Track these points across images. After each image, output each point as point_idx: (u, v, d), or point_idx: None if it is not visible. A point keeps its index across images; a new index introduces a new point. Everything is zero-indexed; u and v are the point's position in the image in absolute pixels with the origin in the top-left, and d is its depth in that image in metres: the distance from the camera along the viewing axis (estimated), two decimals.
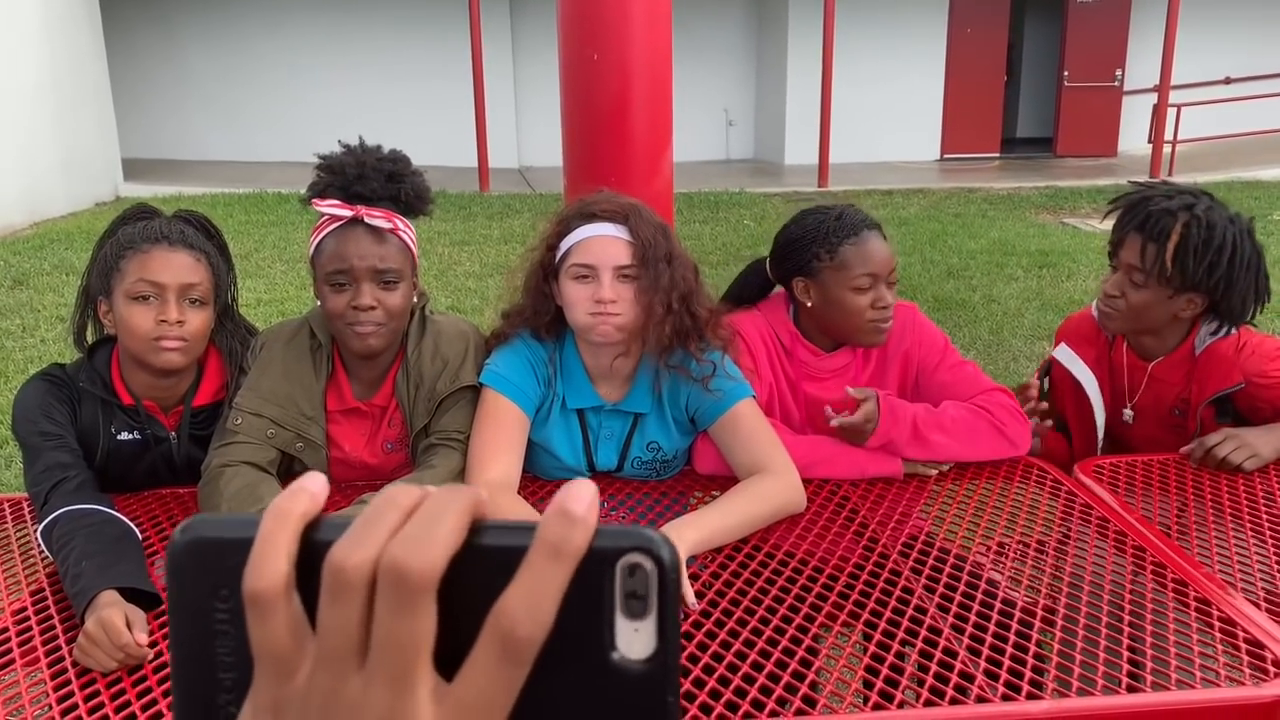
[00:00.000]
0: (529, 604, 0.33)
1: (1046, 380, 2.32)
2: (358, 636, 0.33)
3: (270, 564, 0.33)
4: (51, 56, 9.71)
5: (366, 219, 1.74)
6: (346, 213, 1.74)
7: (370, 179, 1.76)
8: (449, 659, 0.33)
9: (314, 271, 1.81)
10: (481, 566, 0.34)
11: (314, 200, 1.76)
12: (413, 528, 0.33)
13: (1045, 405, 2.19)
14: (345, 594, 0.33)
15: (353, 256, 1.73)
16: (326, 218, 1.76)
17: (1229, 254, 1.94)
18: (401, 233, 1.78)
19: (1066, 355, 2.23)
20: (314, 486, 0.36)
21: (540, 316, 1.86)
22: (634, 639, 0.34)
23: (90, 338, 1.88)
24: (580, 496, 0.34)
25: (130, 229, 1.80)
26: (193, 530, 0.36)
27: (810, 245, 1.99)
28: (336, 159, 1.78)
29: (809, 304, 2.02)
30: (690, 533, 1.61)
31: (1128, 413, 2.18)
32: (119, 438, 1.84)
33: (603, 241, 1.77)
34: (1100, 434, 2.16)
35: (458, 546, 0.33)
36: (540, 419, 1.88)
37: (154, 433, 1.86)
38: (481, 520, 0.35)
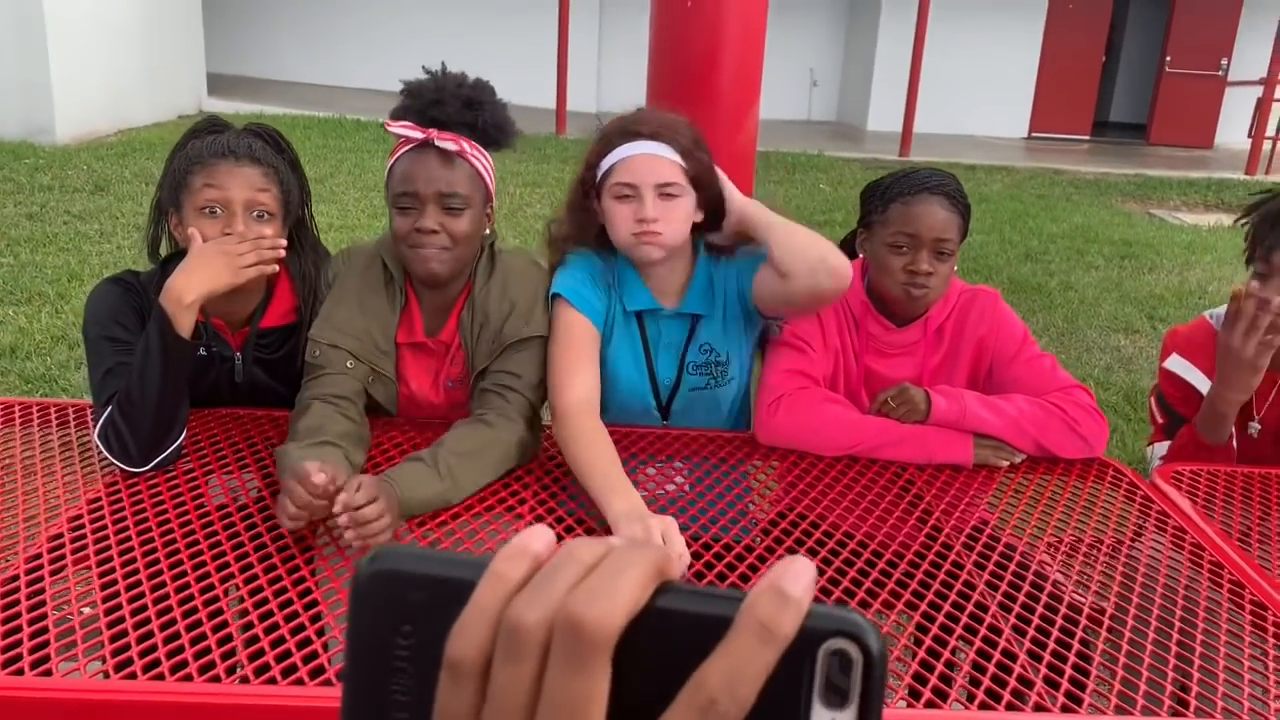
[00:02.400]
0: (731, 681, 0.30)
1: (1156, 400, 2.21)
2: (529, 696, 0.31)
3: (476, 632, 0.32)
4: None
5: (437, 142, 1.71)
6: (418, 135, 1.71)
7: (448, 104, 1.73)
8: None
9: (388, 197, 1.78)
10: (666, 631, 0.32)
11: (388, 122, 1.74)
12: (592, 582, 0.31)
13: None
14: (520, 651, 0.31)
15: (419, 179, 1.72)
16: (401, 140, 1.75)
17: None
18: (472, 158, 1.75)
19: (1181, 366, 2.11)
20: (538, 546, 0.34)
21: (586, 233, 1.88)
22: None
23: (164, 251, 1.87)
24: (798, 577, 0.31)
25: (199, 143, 1.78)
26: (381, 561, 0.34)
27: (871, 197, 2.01)
28: (417, 83, 1.76)
29: (862, 256, 2.03)
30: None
31: (1254, 426, 2.08)
32: None
33: (644, 159, 1.78)
34: (1228, 442, 2.05)
35: (639, 606, 0.31)
36: (606, 332, 1.89)
37: (219, 351, 1.86)
38: (668, 581, 0.33)
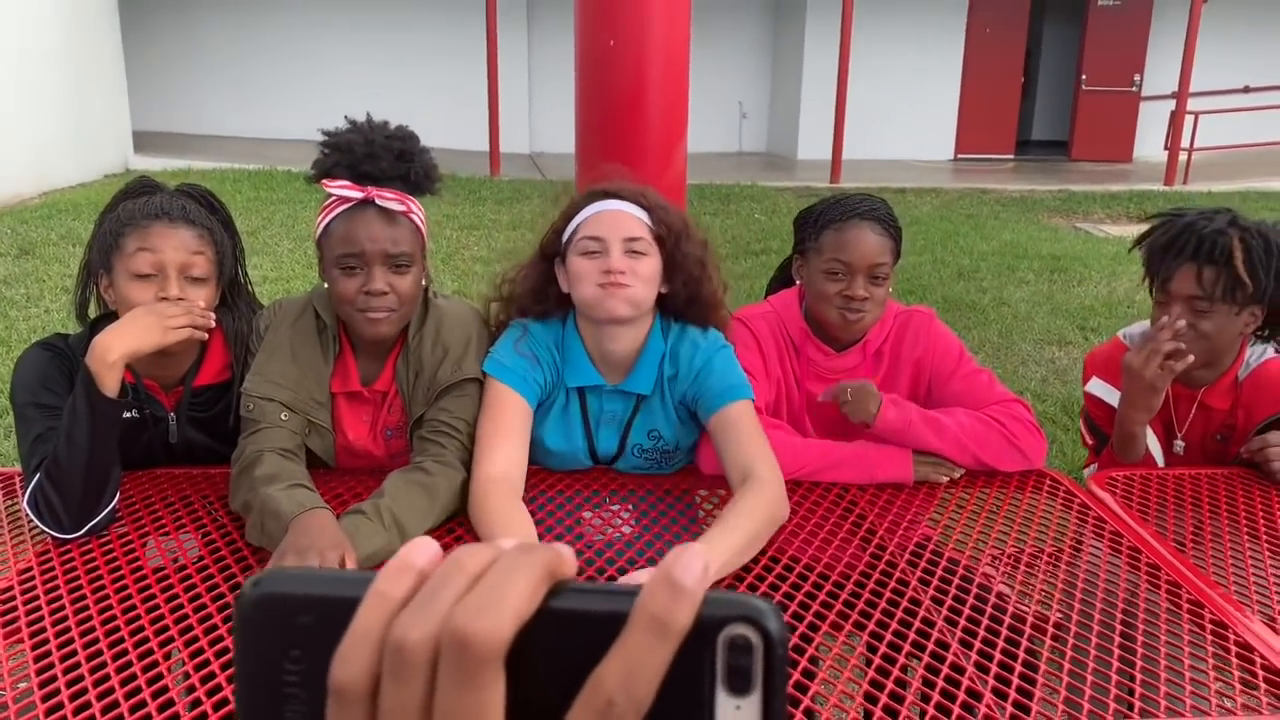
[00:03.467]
0: (628, 679, 0.30)
1: (1085, 422, 2.26)
2: (421, 716, 0.30)
3: (360, 655, 0.31)
4: (65, 26, 9.66)
5: (378, 200, 1.69)
6: (357, 194, 1.69)
7: (379, 157, 1.70)
8: None
9: (321, 253, 1.76)
10: (562, 632, 0.31)
11: (323, 181, 1.71)
12: (478, 594, 0.30)
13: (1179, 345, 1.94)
14: (406, 672, 0.30)
15: (364, 239, 1.68)
16: (335, 199, 1.71)
17: None
18: (413, 214, 1.74)
19: (1101, 388, 2.16)
20: (421, 560, 0.32)
21: (540, 302, 1.85)
22: (735, 717, 0.31)
23: (93, 312, 1.84)
24: (690, 566, 0.31)
25: (131, 205, 1.75)
26: (264, 585, 0.33)
27: (805, 224, 2.04)
28: (343, 137, 1.72)
29: (799, 283, 2.06)
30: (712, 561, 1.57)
31: (1179, 444, 2.13)
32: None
33: (611, 214, 1.77)
34: (1161, 462, 2.10)
35: (529, 611, 0.30)
36: (545, 405, 1.85)
37: (152, 412, 1.82)
38: (562, 581, 0.32)
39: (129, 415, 1.79)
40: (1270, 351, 2.06)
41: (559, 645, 0.31)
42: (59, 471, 1.58)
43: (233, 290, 1.88)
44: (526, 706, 0.31)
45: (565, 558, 0.32)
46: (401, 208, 1.70)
